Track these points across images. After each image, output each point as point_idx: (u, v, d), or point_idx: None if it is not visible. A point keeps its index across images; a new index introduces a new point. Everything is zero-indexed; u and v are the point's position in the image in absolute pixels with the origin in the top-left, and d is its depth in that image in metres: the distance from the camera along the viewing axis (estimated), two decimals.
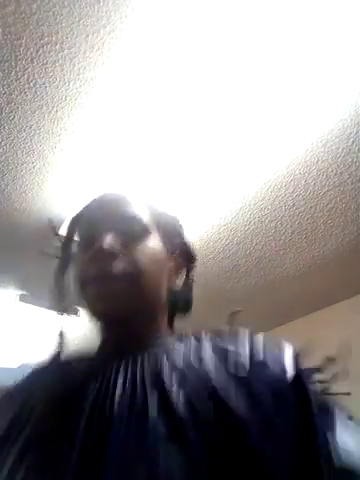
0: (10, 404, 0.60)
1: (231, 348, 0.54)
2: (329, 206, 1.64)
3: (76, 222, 0.66)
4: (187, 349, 0.55)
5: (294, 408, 0.47)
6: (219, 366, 0.51)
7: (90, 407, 0.49)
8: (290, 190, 1.56)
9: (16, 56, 1.07)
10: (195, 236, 1.78)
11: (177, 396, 0.47)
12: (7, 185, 1.49)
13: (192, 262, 0.70)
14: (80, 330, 2.61)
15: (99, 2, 0.96)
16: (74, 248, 0.65)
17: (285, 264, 2.00)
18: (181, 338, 0.59)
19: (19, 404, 0.58)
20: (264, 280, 2.13)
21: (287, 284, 2.16)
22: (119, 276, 0.55)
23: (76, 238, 0.66)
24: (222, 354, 0.53)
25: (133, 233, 0.59)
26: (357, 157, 1.43)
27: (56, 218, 1.65)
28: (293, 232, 1.79)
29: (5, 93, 1.16)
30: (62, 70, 1.11)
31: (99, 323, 0.61)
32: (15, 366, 3.07)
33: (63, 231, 1.69)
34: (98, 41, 1.05)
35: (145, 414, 0.45)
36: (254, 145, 1.35)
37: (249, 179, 1.50)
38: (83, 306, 0.60)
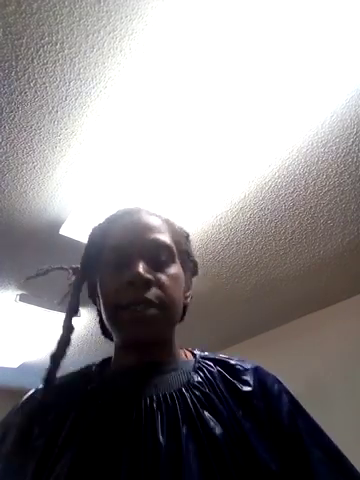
0: (45, 416, 0.61)
1: (244, 388, 0.61)
2: (329, 206, 1.65)
3: (102, 237, 0.68)
4: (205, 384, 0.60)
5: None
6: (233, 403, 0.58)
7: (135, 441, 0.52)
8: (290, 190, 1.57)
9: (16, 56, 1.07)
10: (195, 236, 1.78)
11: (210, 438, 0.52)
12: (7, 185, 1.49)
13: (194, 276, 0.74)
14: (80, 330, 2.61)
15: (99, 2, 0.96)
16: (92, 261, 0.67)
17: (285, 264, 2.00)
18: (194, 366, 0.64)
19: (55, 420, 0.59)
20: (264, 280, 2.13)
21: (287, 284, 2.16)
22: (154, 303, 0.59)
23: (93, 251, 0.68)
24: (233, 389, 0.60)
25: (163, 261, 0.63)
26: (357, 157, 1.43)
27: (56, 218, 1.65)
28: (293, 232, 1.79)
29: (5, 93, 1.16)
30: (62, 70, 1.11)
31: (124, 346, 0.65)
32: (15, 366, 3.07)
33: (64, 232, 1.69)
34: (98, 41, 1.05)
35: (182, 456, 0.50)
36: (254, 145, 1.35)
37: (249, 179, 1.50)
38: (112, 328, 0.63)
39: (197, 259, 0.75)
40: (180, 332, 0.69)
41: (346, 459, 0.59)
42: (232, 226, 1.75)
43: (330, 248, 1.89)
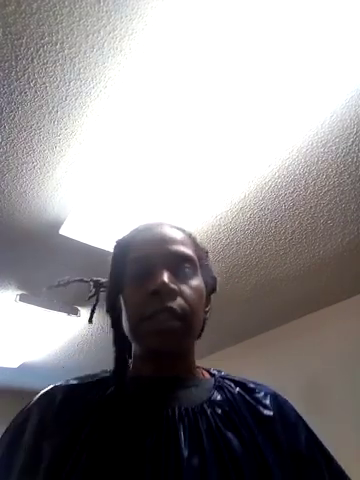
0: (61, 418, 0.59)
1: (265, 412, 0.61)
2: (329, 206, 1.64)
3: (125, 250, 0.67)
4: (226, 403, 0.60)
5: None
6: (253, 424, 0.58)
7: (155, 458, 0.51)
8: (290, 190, 1.57)
9: (16, 56, 1.07)
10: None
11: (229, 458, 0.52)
12: (7, 185, 1.49)
13: (213, 292, 0.74)
14: (80, 330, 2.61)
15: (99, 2, 0.96)
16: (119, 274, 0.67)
17: (285, 264, 2.00)
18: (214, 384, 0.64)
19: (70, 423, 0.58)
20: (264, 280, 2.13)
21: (287, 284, 2.16)
22: (177, 313, 0.58)
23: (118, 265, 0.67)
24: (254, 412, 0.60)
25: (186, 272, 0.63)
26: (357, 157, 1.43)
27: (56, 218, 1.65)
28: (293, 232, 1.79)
29: (5, 93, 1.16)
30: (62, 70, 1.11)
31: (144, 356, 0.64)
32: (15, 366, 3.07)
33: (64, 232, 1.69)
34: (98, 41, 1.05)
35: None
36: (254, 145, 1.35)
37: (249, 179, 1.50)
38: (134, 340, 0.63)
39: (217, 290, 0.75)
40: None
41: None
42: (232, 226, 1.75)
43: (330, 248, 1.89)
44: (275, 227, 1.75)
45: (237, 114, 1.23)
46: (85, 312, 2.27)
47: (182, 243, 0.66)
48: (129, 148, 1.33)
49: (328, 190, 1.57)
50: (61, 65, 1.10)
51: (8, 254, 1.88)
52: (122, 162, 1.38)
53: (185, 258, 0.64)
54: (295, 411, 0.66)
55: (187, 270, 0.63)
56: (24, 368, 3.09)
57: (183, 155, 1.36)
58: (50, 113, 1.23)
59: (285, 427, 0.60)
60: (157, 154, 1.35)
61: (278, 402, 0.64)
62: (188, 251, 0.65)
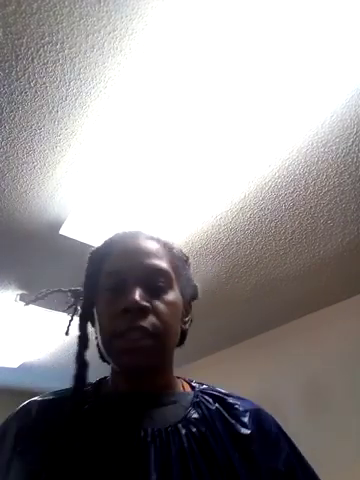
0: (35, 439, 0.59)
1: (242, 430, 0.59)
2: (329, 206, 1.65)
3: (100, 263, 0.67)
4: (202, 422, 0.59)
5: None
6: (230, 444, 0.57)
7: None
8: (290, 190, 1.57)
9: (17, 56, 1.07)
10: (195, 236, 1.78)
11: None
12: (7, 185, 1.49)
13: (194, 299, 0.73)
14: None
15: (100, 2, 0.96)
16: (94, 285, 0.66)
17: (285, 264, 2.00)
18: (192, 400, 0.63)
19: (44, 443, 0.57)
20: (264, 280, 2.13)
21: (287, 284, 2.16)
22: (149, 331, 0.57)
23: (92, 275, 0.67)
24: (233, 433, 0.59)
25: (160, 287, 0.62)
26: (357, 157, 1.43)
27: (56, 218, 1.65)
28: (293, 232, 1.79)
29: (6, 93, 1.16)
30: (63, 70, 1.11)
31: (119, 372, 0.63)
32: (15, 366, 3.07)
33: (64, 232, 1.69)
34: (98, 41, 1.05)
35: None
36: (254, 145, 1.36)
37: (249, 179, 1.51)
38: (107, 355, 0.62)
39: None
40: None
41: None
42: (232, 226, 1.75)
43: (330, 248, 1.89)
44: (275, 227, 1.75)
45: (237, 114, 1.23)
46: None
47: (156, 256, 0.64)
48: (129, 148, 1.33)
49: (328, 190, 1.57)
50: (61, 65, 1.10)
51: (8, 254, 1.88)
52: (122, 162, 1.38)
53: (159, 272, 0.63)
54: (277, 427, 0.64)
55: (161, 284, 0.62)
56: (24, 368, 3.09)
57: (183, 155, 1.36)
58: (50, 113, 1.23)
59: (264, 445, 0.59)
60: (157, 154, 1.35)
61: (259, 419, 0.62)
62: (162, 264, 0.64)
